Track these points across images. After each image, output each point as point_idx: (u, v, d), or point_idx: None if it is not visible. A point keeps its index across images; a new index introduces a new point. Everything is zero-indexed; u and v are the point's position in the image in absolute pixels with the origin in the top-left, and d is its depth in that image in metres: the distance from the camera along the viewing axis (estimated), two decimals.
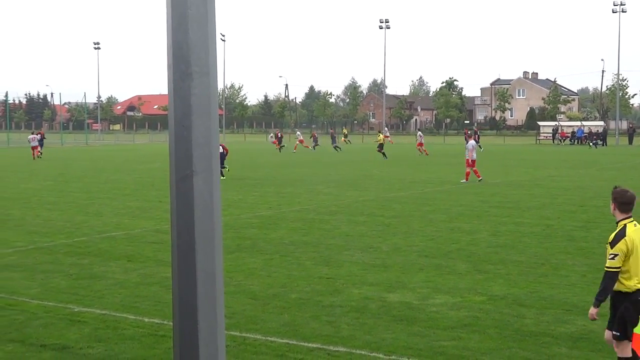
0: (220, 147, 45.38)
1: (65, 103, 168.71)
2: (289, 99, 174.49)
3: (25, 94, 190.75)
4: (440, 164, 47.73)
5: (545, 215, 22.20)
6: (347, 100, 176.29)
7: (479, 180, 33.54)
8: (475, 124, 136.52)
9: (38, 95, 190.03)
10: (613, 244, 7.72)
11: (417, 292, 12.59)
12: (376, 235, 18.58)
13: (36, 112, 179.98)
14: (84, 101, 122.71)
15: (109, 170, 42.78)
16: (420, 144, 60.85)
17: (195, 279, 2.93)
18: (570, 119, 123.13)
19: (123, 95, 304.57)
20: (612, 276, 7.68)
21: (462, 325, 10.50)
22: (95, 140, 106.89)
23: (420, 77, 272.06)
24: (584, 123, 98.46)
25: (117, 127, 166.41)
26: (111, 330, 10.40)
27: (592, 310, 7.87)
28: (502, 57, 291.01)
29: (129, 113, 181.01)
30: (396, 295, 12.38)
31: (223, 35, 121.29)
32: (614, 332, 7.89)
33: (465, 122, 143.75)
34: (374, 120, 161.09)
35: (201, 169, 2.90)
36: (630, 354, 7.84)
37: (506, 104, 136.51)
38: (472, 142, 35.02)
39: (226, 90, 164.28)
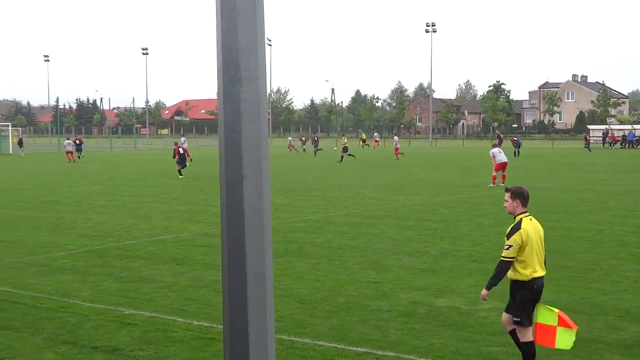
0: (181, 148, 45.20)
1: (114, 108, 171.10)
2: (335, 103, 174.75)
3: (76, 100, 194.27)
4: (488, 168, 47.36)
5: (595, 220, 21.87)
6: (394, 104, 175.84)
7: (490, 186, 33.18)
8: (524, 127, 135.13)
9: (88, 100, 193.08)
10: (509, 235, 8.62)
11: (465, 297, 12.49)
12: (424, 239, 18.49)
13: (86, 117, 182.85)
14: (132, 106, 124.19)
15: (157, 174, 43.27)
16: (396, 149, 63.88)
17: (245, 282, 2.95)
18: (621, 123, 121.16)
19: (171, 100, 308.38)
20: (505, 265, 8.57)
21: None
22: (143, 144, 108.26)
23: (468, 81, 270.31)
24: (635, 126, 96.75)
25: (165, 131, 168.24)
26: (161, 333, 10.50)
27: (484, 292, 8.74)
28: (550, 60, 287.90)
29: (176, 117, 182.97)
30: (444, 300, 12.30)
31: (269, 40, 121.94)
32: (514, 319, 8.66)
33: (513, 125, 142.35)
34: (420, 124, 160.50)
35: (251, 173, 2.91)
36: (531, 338, 8.62)
37: (555, 107, 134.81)
38: (494, 149, 34.72)
39: (272, 94, 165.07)
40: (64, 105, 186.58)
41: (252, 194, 2.92)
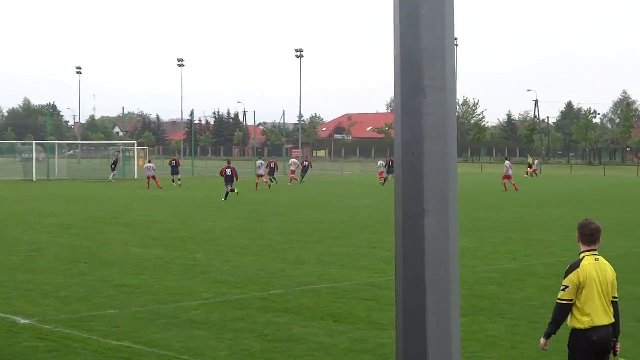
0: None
1: (260, 124, 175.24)
2: (539, 118, 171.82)
3: (214, 113, 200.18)
4: None
5: None
6: (617, 120, 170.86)
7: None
8: None
9: (228, 114, 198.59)
10: (565, 275, 9.52)
11: None
12: None
13: (225, 134, 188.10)
14: (282, 121, 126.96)
15: (312, 207, 43.96)
16: (381, 174, 70.55)
17: (425, 347, 2.95)
18: None
19: (329, 114, 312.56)
20: (564, 309, 9.43)
21: None
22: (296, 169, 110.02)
23: None
24: None
25: (322, 153, 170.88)
26: None
27: (542, 341, 9.78)
28: None
29: (336, 136, 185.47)
30: None
31: (456, 39, 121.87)
32: None
33: None
34: None
35: (435, 207, 2.92)
36: None
37: None
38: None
39: (459, 107, 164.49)
40: (200, 120, 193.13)
41: (435, 233, 2.92)
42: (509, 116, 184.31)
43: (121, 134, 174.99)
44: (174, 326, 15.36)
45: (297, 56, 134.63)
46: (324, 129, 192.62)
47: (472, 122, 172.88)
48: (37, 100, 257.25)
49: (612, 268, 9.65)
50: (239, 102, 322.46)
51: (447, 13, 2.94)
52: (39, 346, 13.89)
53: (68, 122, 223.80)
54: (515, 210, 42.36)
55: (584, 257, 9.48)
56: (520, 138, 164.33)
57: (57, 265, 22.82)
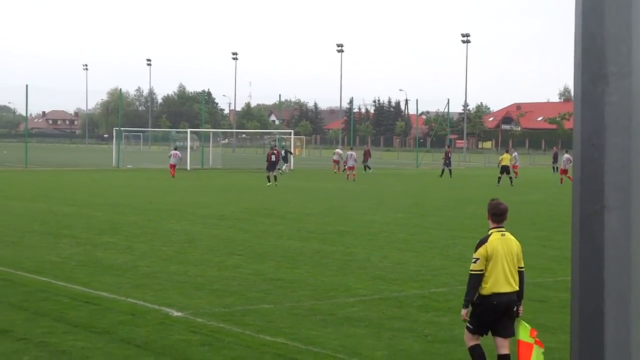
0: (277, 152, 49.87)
1: (422, 113, 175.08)
2: None
3: (374, 101, 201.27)
4: None
5: None
6: None
7: None
8: None
9: (389, 102, 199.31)
10: (475, 248, 11.43)
11: None
12: None
13: (386, 124, 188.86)
14: (446, 110, 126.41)
15: (476, 201, 43.64)
16: (336, 162, 73.93)
17: (602, 355, 2.89)
18: None
19: (497, 103, 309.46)
20: (474, 279, 11.32)
21: None
22: (459, 161, 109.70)
23: None
24: None
25: (488, 144, 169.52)
26: None
27: (463, 311, 11.60)
28: None
29: (503, 126, 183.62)
30: None
31: None
32: (467, 324, 11.54)
33: None
34: None
35: (616, 203, 2.86)
36: (471, 344, 11.53)
37: None
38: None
39: None
40: (359, 109, 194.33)
41: (616, 232, 2.86)
42: None
43: (277, 122, 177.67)
44: (330, 323, 15.50)
45: (463, 41, 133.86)
46: (491, 118, 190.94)
47: None
48: (192, 87, 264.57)
49: (518, 242, 11.53)
50: (400, 90, 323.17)
51: None
52: (191, 339, 14.24)
53: (223, 109, 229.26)
54: None
55: (491, 233, 11.39)
56: None
57: (211, 257, 23.34)
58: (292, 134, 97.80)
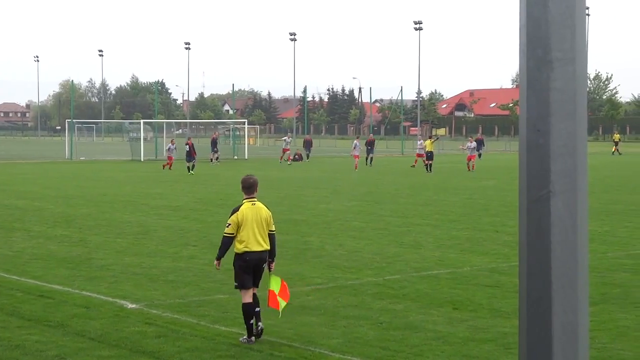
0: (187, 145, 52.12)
1: (375, 101, 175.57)
2: None
3: (328, 89, 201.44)
4: None
5: None
6: None
7: None
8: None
9: (343, 90, 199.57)
10: (229, 215, 13.82)
11: None
12: None
13: (340, 112, 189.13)
14: (399, 98, 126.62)
15: (430, 189, 43.84)
16: (285, 150, 73.25)
17: (550, 337, 2.91)
18: None
19: (450, 90, 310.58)
20: (225, 240, 13.91)
21: None
22: (412, 148, 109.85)
23: None
24: None
25: (442, 131, 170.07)
26: None
27: (215, 262, 14.28)
28: None
29: (457, 113, 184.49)
30: None
31: (587, 9, 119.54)
32: (235, 284, 13.77)
33: None
34: None
35: (562, 189, 2.88)
36: (249, 300, 13.40)
37: None
38: None
39: (590, 82, 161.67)
40: (313, 97, 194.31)
41: (562, 216, 2.88)
42: None
43: (231, 112, 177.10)
44: (285, 313, 15.49)
45: (416, 29, 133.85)
46: (444, 105, 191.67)
47: (604, 97, 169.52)
48: (145, 78, 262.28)
49: (268, 210, 13.92)
50: (354, 78, 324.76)
51: None
52: (146, 331, 14.19)
53: (176, 100, 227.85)
54: None
55: (243, 202, 13.83)
56: None
57: (165, 248, 23.26)
58: (246, 123, 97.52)
